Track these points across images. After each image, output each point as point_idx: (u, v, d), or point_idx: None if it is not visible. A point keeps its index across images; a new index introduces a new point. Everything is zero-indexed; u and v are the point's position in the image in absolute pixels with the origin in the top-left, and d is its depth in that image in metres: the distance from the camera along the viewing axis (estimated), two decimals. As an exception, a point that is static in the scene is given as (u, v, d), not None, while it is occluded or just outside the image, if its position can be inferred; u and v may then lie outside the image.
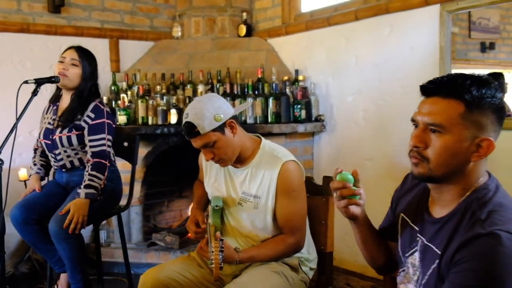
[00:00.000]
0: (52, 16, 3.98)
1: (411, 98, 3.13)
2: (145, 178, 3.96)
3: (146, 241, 4.01)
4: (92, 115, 2.65)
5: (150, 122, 3.80)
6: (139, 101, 3.78)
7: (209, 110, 1.94)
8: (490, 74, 2.95)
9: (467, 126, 1.26)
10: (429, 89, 1.33)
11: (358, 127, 3.60)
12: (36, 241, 2.56)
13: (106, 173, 2.61)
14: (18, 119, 2.34)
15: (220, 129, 1.97)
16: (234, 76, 3.91)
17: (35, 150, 2.86)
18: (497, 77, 2.94)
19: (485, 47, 3.08)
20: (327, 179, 2.22)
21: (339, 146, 3.75)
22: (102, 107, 2.71)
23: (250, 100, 3.72)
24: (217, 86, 3.87)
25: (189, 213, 2.21)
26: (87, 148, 2.66)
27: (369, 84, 3.49)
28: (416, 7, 3.14)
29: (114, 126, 2.76)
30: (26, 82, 2.43)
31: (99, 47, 4.18)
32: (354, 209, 1.47)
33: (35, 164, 2.80)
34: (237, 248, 1.96)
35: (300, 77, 3.86)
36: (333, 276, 2.29)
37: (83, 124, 2.64)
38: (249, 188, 2.07)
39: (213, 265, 1.80)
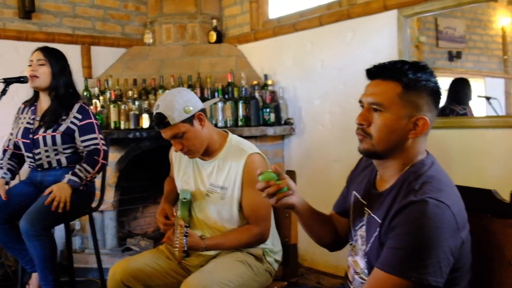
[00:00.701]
0: (23, 22, 4.02)
1: (374, 99, 3.29)
2: (119, 184, 3.99)
3: (121, 246, 4.04)
4: (79, 116, 2.72)
5: (122, 126, 3.86)
6: (111, 106, 3.84)
7: (179, 102, 2.04)
8: (455, 80, 3.11)
9: (404, 105, 1.41)
10: (372, 73, 1.49)
11: (325, 129, 3.72)
12: (6, 240, 2.59)
13: (96, 168, 2.67)
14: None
15: (189, 120, 2.07)
16: (205, 81, 4.00)
17: (5, 151, 2.89)
18: (463, 84, 3.09)
19: (452, 56, 3.20)
20: (291, 173, 2.33)
21: (308, 148, 3.86)
22: (86, 107, 2.78)
23: (217, 95, 3.82)
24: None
25: (158, 210, 2.28)
26: (81, 149, 2.74)
27: (334, 88, 3.61)
28: (376, 12, 3.27)
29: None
30: None
31: (70, 53, 4.11)
32: (288, 200, 1.56)
33: (1, 168, 2.81)
34: (202, 235, 2.03)
35: (269, 82, 3.97)
36: (298, 268, 2.38)
37: (71, 126, 2.70)
38: (216, 179, 2.16)
39: (177, 249, 1.87)
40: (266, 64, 4.16)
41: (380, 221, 1.43)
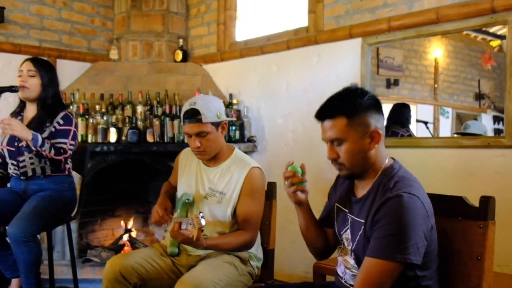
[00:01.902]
0: (-11, 32, 4.02)
1: (336, 120, 3.53)
2: (81, 196, 4.01)
3: (81, 258, 4.04)
4: (61, 122, 2.77)
5: (89, 140, 3.90)
6: (79, 119, 3.87)
7: (215, 106, 2.26)
8: (397, 105, 3.39)
9: (355, 129, 1.65)
10: (319, 116, 1.74)
11: (288, 147, 3.92)
12: None
13: (52, 155, 2.67)
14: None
15: (217, 125, 2.27)
16: (172, 98, 4.12)
17: None
18: (404, 108, 3.37)
19: (390, 84, 3.47)
20: (271, 185, 2.52)
21: (270, 164, 4.02)
22: (71, 116, 2.83)
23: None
24: (156, 107, 4.05)
25: (157, 203, 2.40)
26: None
27: (298, 107, 3.82)
28: (341, 39, 3.53)
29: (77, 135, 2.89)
30: None
31: None
32: (301, 195, 1.83)
33: None
34: (205, 235, 2.16)
35: (234, 101, 4.14)
36: (274, 271, 2.53)
37: (52, 130, 2.74)
38: (216, 185, 2.34)
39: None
40: (231, 84, 4.34)
41: (363, 221, 1.67)
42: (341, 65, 3.56)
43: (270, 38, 4.06)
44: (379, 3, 3.33)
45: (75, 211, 2.95)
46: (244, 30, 4.44)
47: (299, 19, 3.93)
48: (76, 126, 2.86)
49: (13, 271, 2.69)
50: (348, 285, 1.76)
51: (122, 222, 4.52)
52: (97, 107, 4.05)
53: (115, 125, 3.95)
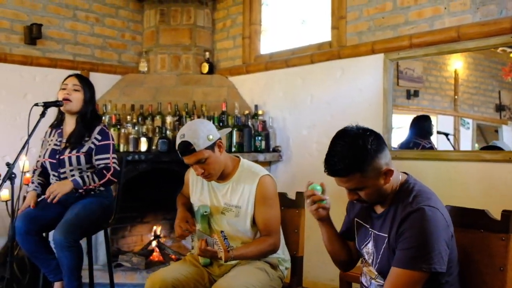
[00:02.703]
0: (28, 47, 4.22)
1: (359, 132, 3.66)
2: (117, 203, 4.18)
3: (112, 263, 4.21)
4: (99, 137, 2.94)
5: (121, 149, 4.08)
6: (112, 129, 4.06)
7: (203, 131, 2.34)
8: (418, 117, 3.49)
9: (370, 176, 1.75)
10: (330, 174, 1.81)
11: (312, 157, 4.06)
12: (35, 250, 2.76)
13: (102, 181, 2.88)
14: (29, 137, 2.57)
15: (211, 147, 2.36)
16: (200, 109, 4.29)
17: (34, 170, 3.08)
18: (425, 120, 3.47)
19: (410, 95, 3.56)
20: (299, 195, 2.66)
21: (294, 173, 4.18)
22: (107, 130, 3.00)
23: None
24: (185, 118, 4.22)
25: (178, 216, 2.54)
26: (96, 166, 2.94)
27: (322, 119, 3.97)
28: (364, 55, 3.66)
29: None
30: (36, 104, 2.67)
31: None
32: (322, 212, 1.98)
33: (32, 182, 3.01)
34: (231, 246, 2.30)
35: (260, 112, 4.30)
36: (302, 277, 2.67)
37: (92, 146, 2.91)
38: (230, 200, 2.46)
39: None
40: (256, 95, 4.50)
41: (386, 235, 1.81)
42: (363, 80, 3.70)
43: (294, 52, 4.21)
44: (400, 20, 3.46)
45: (112, 217, 3.12)
46: (269, 44, 4.60)
47: (322, 34, 4.08)
48: (112, 139, 3.04)
49: (56, 275, 2.85)
50: None
51: (154, 228, 4.70)
52: (128, 117, 4.24)
53: (145, 135, 4.13)
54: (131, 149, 4.09)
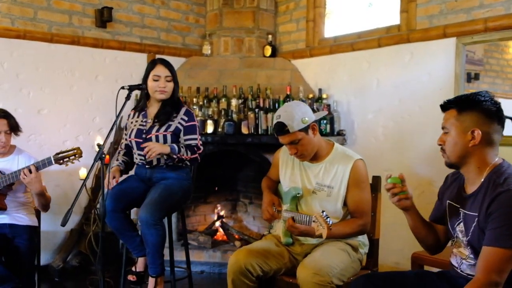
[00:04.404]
0: (98, 30, 4.35)
1: (427, 116, 3.67)
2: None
3: (179, 241, 4.35)
4: (186, 118, 3.02)
5: (188, 131, 4.17)
6: (179, 111, 4.15)
7: (298, 113, 2.42)
8: None
9: (460, 124, 1.88)
10: (441, 107, 1.98)
11: (377, 141, 4.06)
12: (120, 227, 2.88)
13: (192, 156, 2.96)
14: (117, 117, 2.65)
15: (305, 130, 2.45)
16: (264, 92, 4.34)
17: (119, 152, 3.19)
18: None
19: (470, 78, 3.52)
20: (376, 178, 2.70)
21: (358, 157, 4.19)
22: (191, 111, 3.09)
23: (277, 106, 4.19)
24: (250, 101, 4.28)
25: (265, 200, 2.65)
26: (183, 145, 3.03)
27: (389, 104, 3.96)
28: (434, 39, 3.62)
29: None
30: (122, 88, 2.76)
31: (138, 61, 4.58)
32: (405, 202, 2.03)
33: (117, 160, 3.13)
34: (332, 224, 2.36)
35: (324, 95, 4.31)
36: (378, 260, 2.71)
37: (179, 126, 3.00)
38: (322, 179, 2.53)
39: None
40: (320, 79, 4.51)
41: (476, 214, 1.86)
42: (433, 64, 3.66)
43: (361, 36, 4.19)
44: (475, 3, 3.40)
45: (191, 197, 3.23)
46: (333, 27, 4.58)
47: (390, 17, 4.04)
48: (196, 120, 3.12)
49: (139, 251, 2.97)
50: (464, 274, 1.94)
51: (218, 208, 4.82)
52: (194, 100, 4.32)
53: (211, 117, 4.21)
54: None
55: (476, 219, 1.84)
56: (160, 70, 3.01)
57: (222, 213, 4.80)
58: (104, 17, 4.30)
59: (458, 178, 2.06)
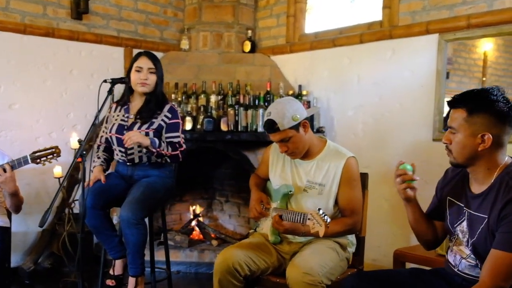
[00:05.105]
0: (74, 22, 4.21)
1: (408, 113, 3.66)
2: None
3: (155, 240, 4.25)
4: (169, 115, 2.93)
5: (166, 127, 4.07)
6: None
7: (289, 110, 2.36)
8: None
9: (470, 126, 1.78)
10: (449, 103, 1.88)
11: (357, 138, 4.03)
12: (100, 226, 2.76)
13: (172, 153, 2.84)
14: (98, 112, 2.55)
15: (296, 127, 2.39)
16: (243, 88, 4.27)
17: (98, 146, 3.07)
18: None
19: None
20: (363, 176, 2.66)
21: (338, 155, 4.15)
22: (176, 109, 2.99)
23: (258, 102, 4.14)
24: (230, 97, 4.20)
25: (253, 198, 2.58)
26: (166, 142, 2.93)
27: (369, 101, 3.93)
28: (417, 35, 3.61)
29: None
30: (105, 81, 2.65)
31: (115, 55, 4.46)
32: (410, 192, 1.97)
33: (98, 157, 2.99)
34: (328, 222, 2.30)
35: (304, 92, 4.26)
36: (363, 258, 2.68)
37: (162, 123, 2.91)
38: (314, 177, 2.47)
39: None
40: (300, 75, 4.46)
41: (485, 216, 1.78)
42: (415, 61, 3.64)
43: (342, 31, 4.16)
44: (457, 0, 3.39)
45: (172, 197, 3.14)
46: (314, 23, 4.54)
47: (372, 13, 4.02)
48: (180, 118, 3.03)
49: (117, 252, 2.86)
50: (462, 274, 1.90)
51: (193, 207, 4.73)
52: (173, 96, 4.22)
53: (190, 114, 4.12)
54: (178, 128, 4.09)
55: (486, 221, 1.78)
56: (142, 62, 2.91)
57: (198, 211, 4.71)
58: (80, 9, 4.15)
59: (461, 174, 2.00)
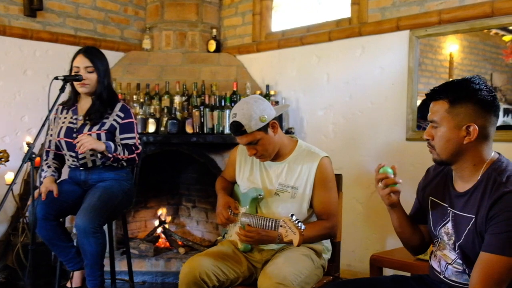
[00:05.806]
0: (27, 19, 3.96)
1: (380, 112, 3.55)
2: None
3: (119, 250, 4.03)
4: (122, 115, 2.74)
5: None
6: (118, 109, 3.84)
7: (256, 111, 2.18)
8: (425, 100, 3.33)
9: (453, 118, 1.65)
10: (428, 96, 1.75)
11: (328, 139, 3.90)
12: (53, 237, 2.55)
13: (129, 156, 2.68)
14: (49, 112, 2.36)
15: (264, 129, 2.22)
16: (209, 88, 4.10)
17: (47, 152, 2.85)
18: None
19: None
20: (338, 177, 2.51)
21: (308, 156, 4.02)
22: (128, 107, 2.81)
23: (223, 103, 3.96)
24: (195, 98, 4.02)
25: (220, 203, 2.39)
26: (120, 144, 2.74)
27: (340, 100, 3.81)
28: (387, 32, 3.50)
29: None
30: (56, 78, 2.46)
31: (72, 54, 4.08)
32: (394, 196, 1.82)
33: (49, 167, 2.78)
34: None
35: (272, 92, 4.12)
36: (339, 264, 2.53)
37: (114, 124, 2.71)
38: (285, 180, 2.31)
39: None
40: (267, 75, 4.31)
41: (472, 216, 1.64)
42: (386, 58, 3.54)
43: (310, 29, 4.03)
44: (428, -5, 3.31)
45: (132, 202, 2.94)
46: (281, 21, 4.40)
47: (341, 10, 3.91)
48: (134, 117, 2.85)
49: (75, 263, 2.66)
50: (449, 281, 1.75)
51: (159, 213, 4.52)
52: (135, 97, 4.02)
53: (153, 116, 3.92)
54: (138, 130, 3.87)
55: (473, 221, 1.64)
56: (78, 61, 2.73)
57: (164, 218, 4.50)
58: (33, 5, 3.91)
59: (443, 172, 1.87)
